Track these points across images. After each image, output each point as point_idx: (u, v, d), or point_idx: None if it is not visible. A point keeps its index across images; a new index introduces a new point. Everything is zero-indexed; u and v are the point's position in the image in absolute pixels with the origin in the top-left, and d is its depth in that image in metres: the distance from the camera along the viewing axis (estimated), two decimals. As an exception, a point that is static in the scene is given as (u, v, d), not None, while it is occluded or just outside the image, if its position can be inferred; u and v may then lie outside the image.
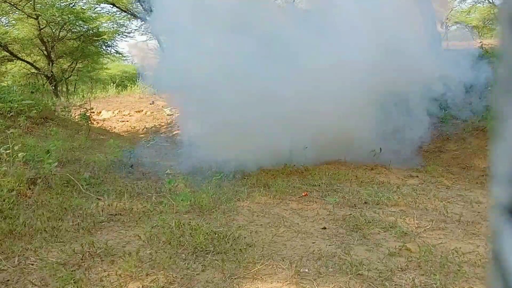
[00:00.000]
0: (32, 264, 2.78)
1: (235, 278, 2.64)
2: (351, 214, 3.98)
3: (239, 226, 3.57)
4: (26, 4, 13.32)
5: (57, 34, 15.00)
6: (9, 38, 14.36)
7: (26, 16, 13.80)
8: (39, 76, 15.96)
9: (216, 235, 3.27)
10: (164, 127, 10.78)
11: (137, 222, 3.67)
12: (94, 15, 15.20)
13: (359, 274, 2.70)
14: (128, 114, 12.03)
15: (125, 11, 15.27)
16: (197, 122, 6.30)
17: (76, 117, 9.04)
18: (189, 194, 4.33)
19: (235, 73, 5.36)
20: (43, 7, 13.73)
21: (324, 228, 3.65)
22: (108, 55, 17.88)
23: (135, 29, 21.47)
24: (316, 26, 5.48)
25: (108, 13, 15.66)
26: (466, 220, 3.81)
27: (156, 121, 11.36)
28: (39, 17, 13.71)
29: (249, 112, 5.43)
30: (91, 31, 15.56)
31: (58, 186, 4.37)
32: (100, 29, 15.67)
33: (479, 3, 18.94)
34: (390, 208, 4.21)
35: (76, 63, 16.54)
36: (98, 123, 10.54)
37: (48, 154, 4.53)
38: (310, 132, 5.48)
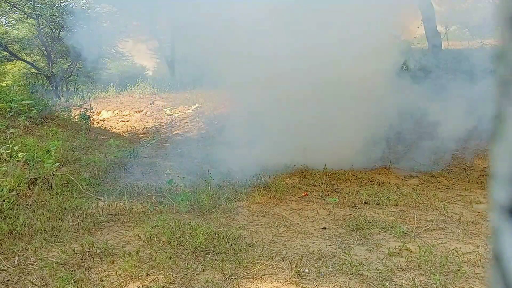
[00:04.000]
0: (32, 264, 2.78)
1: (235, 278, 2.64)
2: (351, 214, 3.98)
3: (239, 226, 3.57)
4: (26, 4, 13.32)
5: (57, 34, 15.00)
6: (9, 38, 14.37)
7: (26, 16, 13.81)
8: (39, 76, 15.95)
9: (216, 235, 3.27)
10: (164, 127, 10.79)
11: (137, 222, 3.67)
12: (94, 15, 15.19)
13: (359, 274, 2.70)
14: (128, 114, 12.04)
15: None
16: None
17: (76, 117, 9.03)
18: (189, 194, 4.33)
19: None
20: (43, 7, 13.74)
21: (324, 228, 3.65)
22: (108, 55, 17.86)
23: (135, 29, 21.38)
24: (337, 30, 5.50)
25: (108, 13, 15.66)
26: (466, 220, 3.81)
27: (156, 121, 11.36)
28: (39, 17, 13.72)
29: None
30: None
31: (58, 186, 4.37)
32: (100, 29, 15.66)
33: (479, 3, 18.93)
34: (390, 208, 4.21)
35: (76, 63, 16.53)
36: (98, 123, 10.53)
37: (48, 154, 4.53)
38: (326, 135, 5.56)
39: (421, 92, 6.37)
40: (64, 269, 2.70)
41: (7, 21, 15.08)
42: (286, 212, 4.10)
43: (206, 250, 3.03)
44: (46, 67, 15.45)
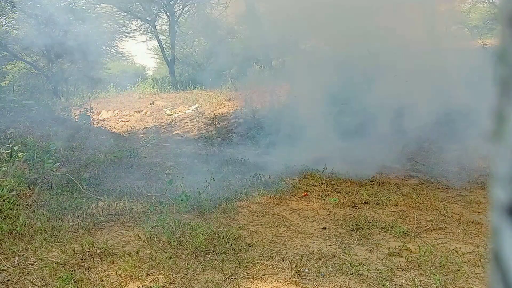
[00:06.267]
0: (32, 264, 2.78)
1: (235, 278, 2.64)
2: (351, 214, 3.98)
3: (239, 226, 3.57)
4: (26, 4, 13.33)
5: (57, 34, 14.98)
6: (9, 38, 14.37)
7: (26, 16, 13.81)
8: (39, 76, 15.94)
9: (216, 235, 3.27)
10: (164, 127, 10.79)
11: (137, 222, 3.67)
12: (94, 15, 15.20)
13: (359, 274, 2.70)
14: (128, 114, 12.05)
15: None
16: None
17: (76, 117, 9.03)
18: (189, 194, 4.33)
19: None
20: (43, 7, 13.74)
21: (324, 228, 3.65)
22: (108, 55, 17.86)
23: (135, 29, 21.42)
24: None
25: (108, 13, 15.68)
26: (466, 220, 3.80)
27: (156, 121, 11.36)
28: (39, 17, 13.71)
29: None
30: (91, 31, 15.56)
31: (58, 186, 4.37)
32: (100, 29, 15.66)
33: (479, 3, 18.95)
34: (390, 208, 4.21)
35: (76, 63, 16.52)
36: (98, 123, 10.54)
37: (48, 154, 4.53)
38: None
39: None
40: (64, 269, 2.70)
41: (7, 21, 15.08)
42: (286, 212, 4.10)
43: (206, 250, 3.03)
44: (46, 67, 15.44)
